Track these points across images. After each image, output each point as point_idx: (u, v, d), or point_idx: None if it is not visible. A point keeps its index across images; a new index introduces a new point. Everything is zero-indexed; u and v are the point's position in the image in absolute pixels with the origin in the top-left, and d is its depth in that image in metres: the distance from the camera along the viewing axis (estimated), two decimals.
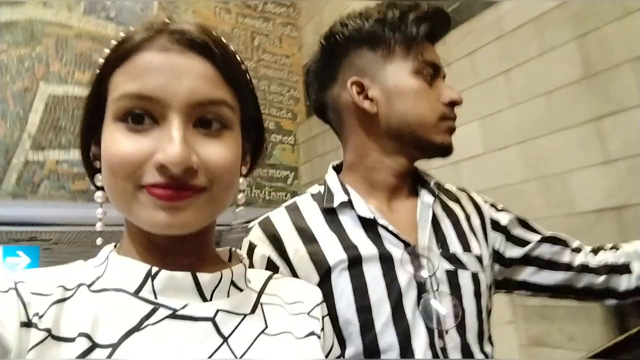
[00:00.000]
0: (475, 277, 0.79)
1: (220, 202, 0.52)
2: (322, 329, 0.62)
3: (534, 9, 1.57)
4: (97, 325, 0.48)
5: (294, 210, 0.83)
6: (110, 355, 0.47)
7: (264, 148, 0.63)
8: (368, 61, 0.82)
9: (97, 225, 0.56)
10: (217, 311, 0.53)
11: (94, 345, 0.47)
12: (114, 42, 0.53)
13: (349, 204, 0.80)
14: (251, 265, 0.77)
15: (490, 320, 0.82)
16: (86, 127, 0.55)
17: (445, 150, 0.81)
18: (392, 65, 0.81)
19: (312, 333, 0.60)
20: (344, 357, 0.71)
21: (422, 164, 0.86)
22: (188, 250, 0.55)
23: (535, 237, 0.89)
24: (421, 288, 0.75)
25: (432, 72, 0.81)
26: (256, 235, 0.80)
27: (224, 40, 0.54)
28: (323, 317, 0.64)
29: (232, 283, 0.57)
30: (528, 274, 0.90)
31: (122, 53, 0.51)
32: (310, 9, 2.52)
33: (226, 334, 0.53)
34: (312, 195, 0.87)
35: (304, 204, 0.85)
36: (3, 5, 2.02)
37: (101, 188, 0.53)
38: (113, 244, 0.58)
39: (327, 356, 0.62)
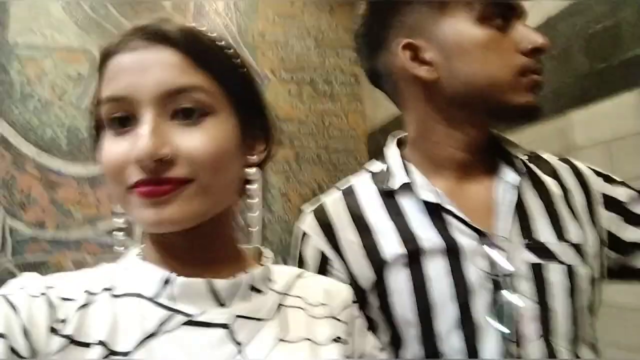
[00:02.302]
0: (570, 272, 0.67)
1: (212, 192, 0.50)
2: (351, 334, 0.60)
3: None
4: (115, 331, 0.49)
5: (349, 195, 0.75)
6: None
7: (272, 134, 0.60)
8: (421, 17, 0.69)
9: (115, 235, 0.57)
10: (235, 317, 0.52)
11: (110, 353, 0.47)
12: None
13: (410, 186, 0.70)
14: (301, 257, 0.74)
15: (594, 319, 0.71)
16: (92, 135, 0.55)
17: (529, 112, 0.68)
18: (451, 17, 0.68)
19: (336, 340, 0.57)
20: (397, 357, 0.67)
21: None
22: (203, 248, 0.54)
23: None
24: (497, 287, 0.64)
25: (505, 14, 0.67)
26: (309, 224, 0.75)
27: (195, 26, 0.53)
28: (354, 319, 0.61)
29: (252, 287, 0.55)
30: None
31: (101, 61, 0.51)
32: None
33: (242, 342, 0.51)
34: (372, 174, 0.77)
35: (361, 185, 0.76)
36: None
37: None
38: (139, 245, 0.58)
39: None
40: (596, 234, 0.71)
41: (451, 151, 0.71)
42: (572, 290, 0.66)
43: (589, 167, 0.78)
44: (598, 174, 0.77)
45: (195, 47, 0.51)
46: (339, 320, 0.59)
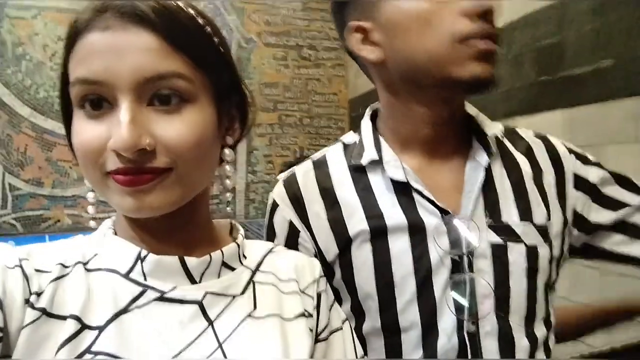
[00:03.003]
0: (531, 252, 0.68)
1: (191, 180, 0.51)
2: (316, 307, 0.61)
3: None
4: (88, 306, 0.49)
5: (320, 167, 0.75)
6: (97, 337, 0.47)
7: (249, 114, 0.59)
8: None
9: (89, 209, 0.55)
10: (206, 293, 0.53)
11: (83, 327, 0.47)
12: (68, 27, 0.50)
13: (379, 162, 0.71)
14: (271, 225, 0.76)
15: (552, 295, 0.72)
16: (64, 112, 0.53)
17: (477, 84, 0.64)
18: None
19: (302, 314, 0.58)
20: (359, 329, 0.69)
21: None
22: (178, 229, 0.55)
23: (637, 200, 0.73)
24: (456, 266, 0.66)
25: None
26: (279, 194, 0.76)
27: (176, 6, 0.50)
28: (319, 294, 0.62)
29: (224, 264, 0.56)
30: (615, 242, 0.74)
31: (71, 37, 0.49)
32: None
33: (212, 317, 0.52)
34: (344, 146, 0.77)
35: (333, 157, 0.76)
36: None
37: None
38: (111, 219, 0.58)
39: (320, 334, 0.60)
40: (562, 213, 0.72)
41: (414, 128, 0.71)
42: (531, 270, 0.67)
43: (565, 145, 0.77)
44: (572, 152, 0.76)
45: (174, 29, 0.48)
46: (307, 294, 0.60)
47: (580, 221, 0.74)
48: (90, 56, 0.47)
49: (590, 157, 0.76)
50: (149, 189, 0.48)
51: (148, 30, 0.47)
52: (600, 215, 0.73)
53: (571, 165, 0.75)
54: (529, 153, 0.75)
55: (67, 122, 0.53)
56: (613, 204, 0.73)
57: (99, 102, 0.48)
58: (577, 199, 0.73)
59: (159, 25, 0.47)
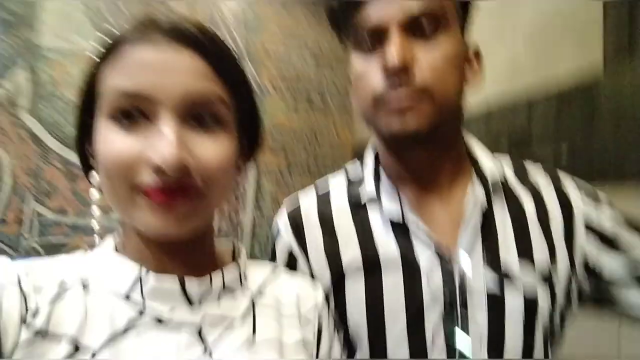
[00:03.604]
0: (529, 294, 0.65)
1: (214, 203, 0.52)
2: (318, 331, 0.60)
3: None
4: (84, 326, 0.48)
5: (323, 196, 0.77)
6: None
7: (261, 142, 0.61)
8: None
9: (93, 223, 0.56)
10: (204, 316, 0.52)
11: (77, 349, 0.46)
12: (104, 38, 0.52)
13: (378, 199, 0.71)
14: (273, 252, 0.77)
15: (554, 347, 0.67)
16: (80, 124, 0.54)
17: (398, 137, 0.65)
18: (350, 52, 0.71)
19: (302, 340, 0.58)
20: (353, 359, 0.67)
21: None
22: (181, 248, 0.54)
23: None
24: (449, 303, 0.64)
25: (374, 37, 0.65)
26: (283, 220, 0.77)
27: (217, 33, 0.52)
28: (320, 318, 0.61)
29: (224, 285, 0.55)
30: (629, 290, 0.67)
31: (112, 49, 0.50)
32: None
33: (210, 342, 0.51)
34: (348, 182, 0.79)
35: (335, 187, 0.78)
36: None
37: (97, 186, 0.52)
38: (113, 235, 0.58)
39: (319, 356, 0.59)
40: (570, 257, 0.68)
41: (403, 165, 0.71)
42: (529, 315, 0.63)
43: (575, 182, 0.74)
44: (582, 190, 0.72)
45: (220, 56, 0.51)
46: (308, 319, 0.59)
47: (590, 267, 0.69)
48: (137, 69, 0.48)
49: (603, 197, 0.72)
50: (180, 211, 0.48)
51: (197, 53, 0.49)
52: (613, 262, 0.68)
53: (581, 205, 0.70)
54: (534, 190, 0.72)
55: (82, 130, 0.52)
56: (625, 248, 0.68)
57: (135, 115, 0.48)
58: (587, 243, 0.69)
59: (208, 50, 0.50)
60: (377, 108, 0.66)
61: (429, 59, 0.63)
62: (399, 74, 0.62)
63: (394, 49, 0.61)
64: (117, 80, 0.48)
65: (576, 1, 1.45)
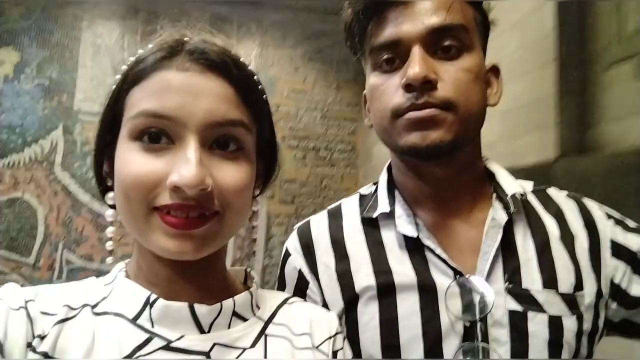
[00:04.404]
0: (554, 323, 0.61)
1: (232, 228, 0.51)
2: None
3: None
4: (91, 351, 0.47)
5: (334, 217, 0.74)
6: None
7: (277, 169, 0.62)
8: (365, 72, 0.72)
9: (107, 245, 0.55)
10: (214, 345, 0.50)
11: None
12: (131, 59, 0.52)
13: (392, 216, 0.68)
14: (282, 273, 0.74)
15: None
16: (100, 143, 0.53)
17: (418, 151, 0.63)
18: (365, 68, 0.71)
19: None
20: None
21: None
22: (193, 274, 0.53)
23: None
24: (469, 332, 0.61)
25: (391, 55, 0.65)
26: (292, 242, 0.74)
27: (243, 61, 0.53)
28: (335, 352, 0.58)
29: (235, 313, 0.53)
30: None
31: (140, 71, 0.50)
32: (366, 153, 3.60)
33: None
34: (361, 197, 0.76)
35: (347, 208, 0.75)
36: None
37: (112, 206, 0.52)
38: (125, 261, 0.57)
39: None
40: (597, 283, 0.65)
41: (418, 185, 0.69)
42: (554, 344, 0.61)
43: (601, 208, 0.72)
44: (610, 216, 0.70)
45: (245, 82, 0.51)
46: (321, 352, 0.57)
47: (619, 294, 0.66)
48: (165, 92, 0.48)
49: (631, 223, 0.70)
50: (195, 233, 0.48)
51: (224, 78, 0.50)
52: None
53: (608, 230, 0.68)
54: (558, 215, 0.69)
55: (102, 150, 0.53)
56: None
57: (158, 136, 0.48)
58: (615, 269, 0.66)
59: (234, 77, 0.50)
60: (395, 122, 0.64)
61: (452, 75, 0.62)
62: (421, 86, 0.61)
63: (416, 62, 0.61)
64: (144, 102, 0.49)
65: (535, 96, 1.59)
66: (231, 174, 0.49)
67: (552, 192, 0.74)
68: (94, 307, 0.51)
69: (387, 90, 0.64)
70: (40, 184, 3.15)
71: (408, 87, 0.62)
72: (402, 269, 0.65)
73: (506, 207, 0.66)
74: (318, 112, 3.69)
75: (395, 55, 0.64)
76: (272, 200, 3.47)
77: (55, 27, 3.24)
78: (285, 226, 3.53)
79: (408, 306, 0.63)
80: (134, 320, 0.50)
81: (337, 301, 0.67)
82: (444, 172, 0.67)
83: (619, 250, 0.67)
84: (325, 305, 0.69)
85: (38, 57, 3.20)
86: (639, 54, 1.19)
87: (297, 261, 0.72)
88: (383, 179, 0.74)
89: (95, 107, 3.25)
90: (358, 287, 0.66)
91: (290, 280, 0.72)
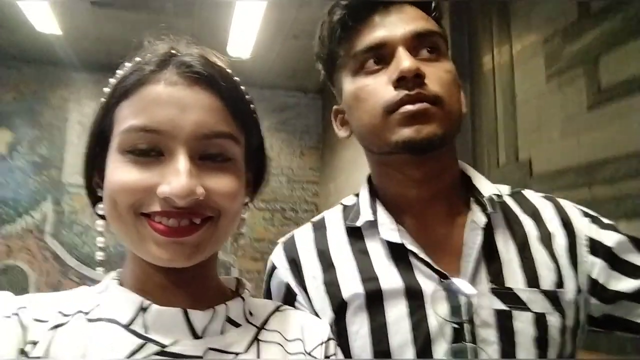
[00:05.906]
0: (539, 320, 0.63)
1: (224, 233, 0.52)
2: None
3: None
4: (85, 357, 0.47)
5: (318, 229, 0.75)
6: None
7: (266, 177, 0.63)
8: (337, 83, 0.74)
9: (97, 255, 0.55)
10: (207, 350, 0.51)
11: None
12: (119, 72, 0.53)
13: (375, 224, 0.70)
14: (268, 288, 0.74)
15: None
16: (90, 155, 0.54)
17: (412, 145, 0.64)
18: (342, 77, 0.72)
19: None
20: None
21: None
22: (185, 281, 0.53)
23: None
24: (457, 334, 0.62)
25: (378, 56, 0.67)
26: (278, 256, 0.75)
27: (229, 72, 0.54)
28: (328, 357, 0.59)
29: (228, 319, 0.54)
30: (638, 313, 0.66)
31: (128, 85, 0.50)
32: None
33: None
34: (344, 208, 0.78)
35: (331, 219, 0.76)
36: None
37: (103, 217, 0.53)
38: (117, 270, 0.57)
39: None
40: (577, 280, 0.67)
41: (399, 190, 0.71)
42: (540, 340, 0.62)
43: (576, 207, 0.74)
44: (585, 214, 0.72)
45: (232, 94, 0.52)
46: (313, 357, 0.58)
47: (598, 289, 0.68)
48: (154, 106, 0.49)
49: (605, 220, 0.72)
50: (187, 240, 0.49)
51: (212, 91, 0.51)
52: (620, 284, 0.67)
53: (585, 228, 0.70)
54: (535, 215, 0.72)
55: (92, 162, 0.54)
56: (633, 271, 0.67)
57: (148, 150, 0.49)
58: (592, 265, 0.68)
59: (221, 88, 0.51)
60: (388, 118, 0.65)
61: (436, 74, 0.66)
62: (412, 79, 0.63)
63: (405, 57, 0.64)
64: (133, 117, 0.49)
65: None
66: (222, 181, 0.50)
67: (528, 193, 0.77)
68: (87, 314, 0.52)
69: (377, 88, 0.66)
70: (31, 251, 3.48)
71: (400, 81, 0.64)
72: (389, 275, 0.66)
73: (484, 209, 0.68)
74: (284, 177, 4.12)
75: (379, 58, 0.67)
76: (243, 258, 3.84)
77: (45, 109, 3.60)
78: (255, 281, 3.91)
79: (396, 312, 0.64)
80: (127, 326, 0.51)
81: (326, 311, 0.68)
82: (425, 171, 0.69)
83: (595, 247, 0.69)
84: (315, 315, 0.70)
85: (29, 136, 3.55)
86: None
87: (283, 275, 0.72)
88: (364, 188, 0.76)
89: (81, 179, 3.60)
90: (346, 294, 0.67)
91: (278, 294, 0.73)
